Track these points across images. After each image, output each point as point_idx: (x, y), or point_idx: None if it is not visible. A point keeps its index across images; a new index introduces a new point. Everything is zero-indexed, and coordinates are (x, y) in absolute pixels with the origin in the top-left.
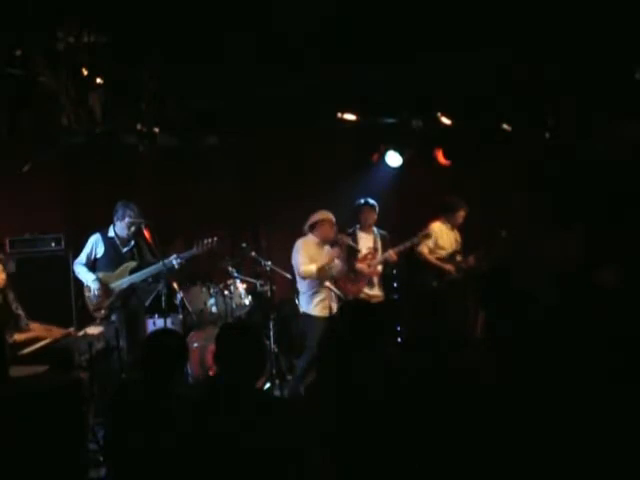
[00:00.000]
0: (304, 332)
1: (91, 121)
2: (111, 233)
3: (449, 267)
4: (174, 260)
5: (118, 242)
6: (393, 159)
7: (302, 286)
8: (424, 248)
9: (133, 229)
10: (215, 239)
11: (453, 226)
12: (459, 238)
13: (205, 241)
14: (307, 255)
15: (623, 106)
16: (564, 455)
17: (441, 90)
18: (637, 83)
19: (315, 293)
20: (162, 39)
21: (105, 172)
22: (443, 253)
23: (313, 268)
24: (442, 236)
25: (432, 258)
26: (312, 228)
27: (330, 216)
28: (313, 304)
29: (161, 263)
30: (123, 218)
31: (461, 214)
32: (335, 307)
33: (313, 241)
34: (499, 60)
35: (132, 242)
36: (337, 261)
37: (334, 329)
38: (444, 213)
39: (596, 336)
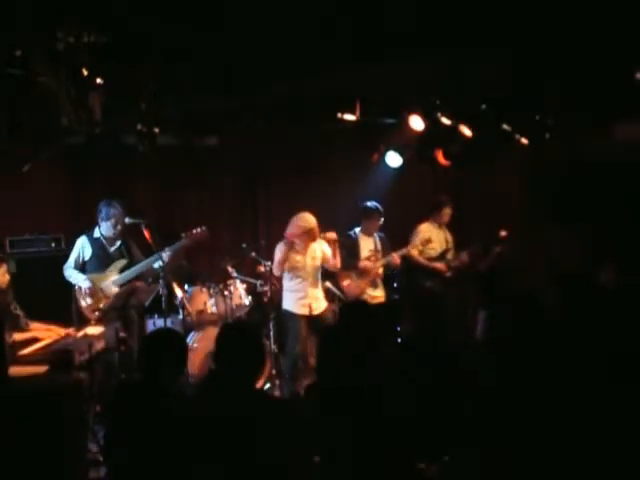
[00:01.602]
0: (285, 329)
1: (91, 121)
2: (97, 234)
3: (440, 266)
4: (164, 253)
5: (105, 242)
6: (393, 159)
7: (285, 283)
8: (414, 250)
9: (119, 228)
10: (203, 228)
11: (440, 225)
12: (449, 237)
13: (194, 231)
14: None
15: (623, 106)
16: (563, 455)
17: (441, 90)
18: (637, 83)
19: (294, 291)
20: (162, 39)
21: (105, 172)
22: (433, 253)
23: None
24: (431, 236)
25: (422, 259)
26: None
27: (309, 226)
28: (293, 302)
29: (151, 258)
30: (108, 218)
31: (447, 212)
32: (315, 307)
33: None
34: (499, 60)
35: (119, 241)
36: (331, 260)
37: (334, 330)
38: (430, 213)
39: (596, 336)
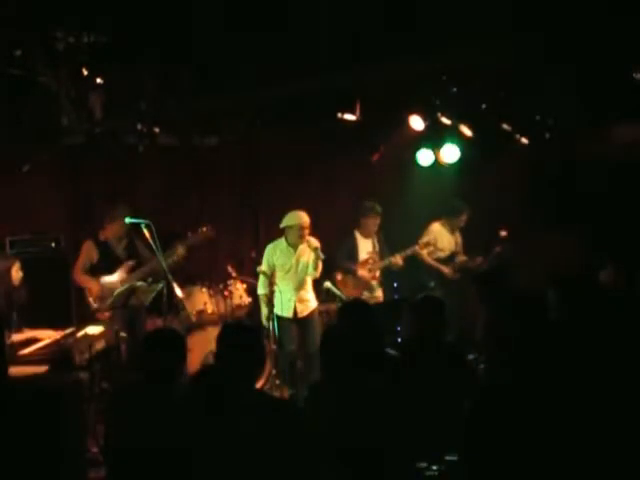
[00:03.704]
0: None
1: (91, 121)
2: (102, 237)
3: (446, 269)
4: (179, 249)
5: (111, 244)
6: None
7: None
8: (423, 250)
9: (124, 229)
10: (209, 227)
11: (453, 229)
12: (460, 240)
13: (198, 230)
14: (266, 261)
15: (623, 106)
16: (565, 456)
17: (441, 90)
18: (637, 83)
19: (280, 293)
20: (162, 39)
21: (105, 172)
22: (442, 255)
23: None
24: (441, 238)
25: (430, 259)
26: (283, 231)
27: (297, 221)
28: (277, 303)
29: (159, 256)
30: (113, 220)
31: (463, 218)
32: (300, 309)
33: (281, 246)
34: (499, 59)
35: (125, 241)
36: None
37: (334, 329)
38: (446, 215)
39: (596, 336)
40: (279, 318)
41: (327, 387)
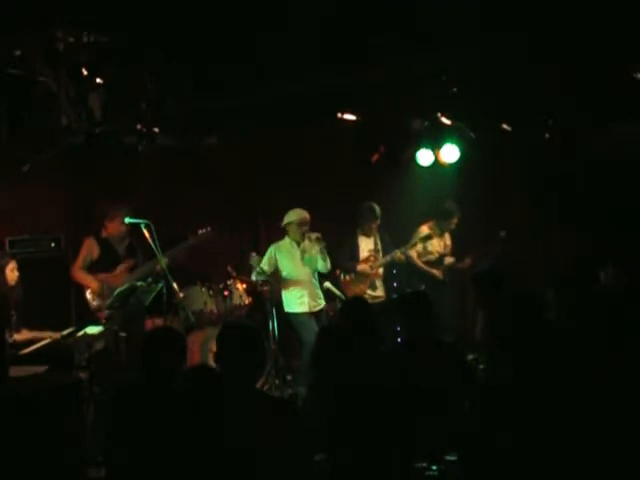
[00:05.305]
0: (294, 330)
1: (91, 121)
2: (104, 234)
3: (436, 271)
4: (169, 253)
5: (113, 242)
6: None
7: (283, 284)
8: (412, 252)
9: (126, 228)
10: (209, 229)
11: (443, 231)
12: (449, 242)
13: (199, 231)
14: (267, 259)
15: (623, 106)
16: (564, 455)
17: (441, 90)
18: (637, 83)
19: (293, 291)
20: (162, 39)
21: (105, 172)
22: (432, 258)
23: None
24: (430, 241)
25: (420, 262)
26: (284, 231)
27: (297, 217)
28: (292, 301)
29: (157, 258)
30: (114, 218)
31: (454, 221)
32: (313, 305)
33: (285, 245)
34: (499, 59)
35: (127, 241)
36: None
37: (334, 328)
38: (437, 218)
39: (596, 336)
40: (296, 315)
41: (326, 386)
